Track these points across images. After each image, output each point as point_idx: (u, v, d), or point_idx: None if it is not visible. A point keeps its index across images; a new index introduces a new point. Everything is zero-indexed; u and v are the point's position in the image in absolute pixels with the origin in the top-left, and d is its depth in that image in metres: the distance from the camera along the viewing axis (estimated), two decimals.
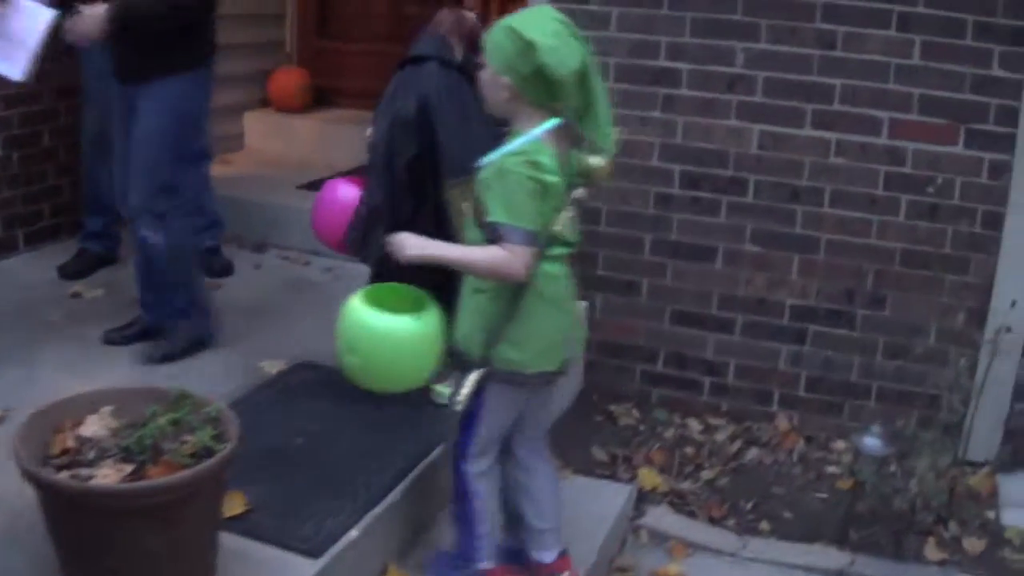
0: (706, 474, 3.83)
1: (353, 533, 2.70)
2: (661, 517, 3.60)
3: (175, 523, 2.21)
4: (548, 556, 2.81)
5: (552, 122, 2.44)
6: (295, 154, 5.69)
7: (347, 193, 3.50)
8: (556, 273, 2.56)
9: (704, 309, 4.17)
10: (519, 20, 2.42)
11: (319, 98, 5.97)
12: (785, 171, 3.95)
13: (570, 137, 2.51)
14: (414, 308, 2.66)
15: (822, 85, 3.84)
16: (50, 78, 4.14)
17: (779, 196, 3.97)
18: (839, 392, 4.09)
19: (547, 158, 2.41)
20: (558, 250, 2.55)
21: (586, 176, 2.58)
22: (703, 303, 4.17)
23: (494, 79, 2.45)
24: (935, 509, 3.46)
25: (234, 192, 4.91)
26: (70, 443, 2.30)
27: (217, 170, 5.30)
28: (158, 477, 2.19)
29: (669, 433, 4.08)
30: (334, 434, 3.14)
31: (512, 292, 2.50)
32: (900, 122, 3.80)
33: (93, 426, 2.36)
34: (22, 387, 3.24)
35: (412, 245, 2.55)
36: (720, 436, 4.07)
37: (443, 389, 3.01)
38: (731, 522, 3.61)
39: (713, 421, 4.17)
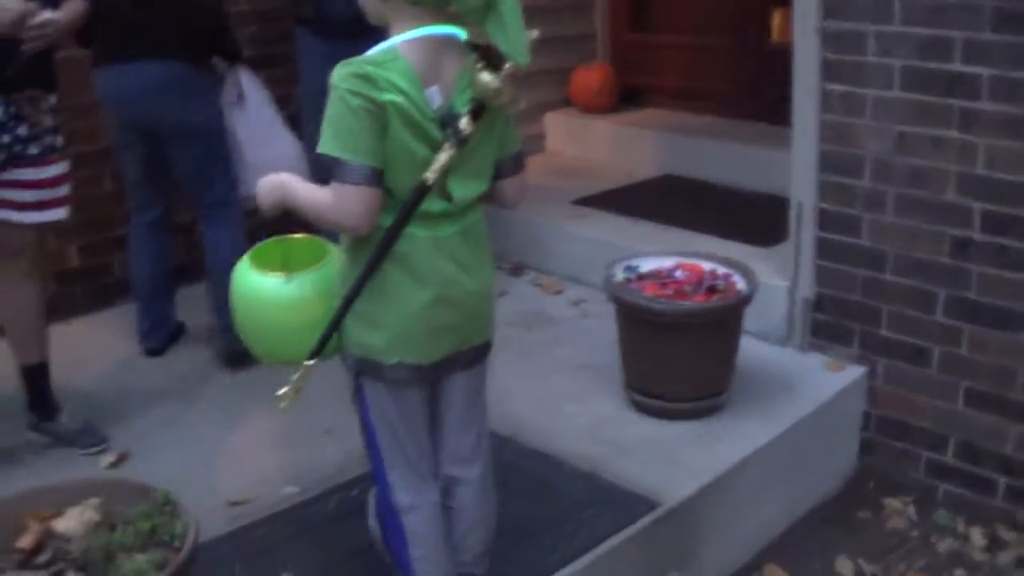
0: None
1: None
2: None
3: None
4: None
5: (429, 29, 1.91)
6: (592, 160, 5.18)
7: None
8: (421, 236, 1.98)
9: (1006, 391, 3.16)
10: None
11: (629, 97, 5.38)
12: None
13: (463, 53, 1.96)
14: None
15: None
16: None
17: None
18: None
19: (392, 72, 1.86)
20: (434, 206, 1.97)
21: (487, 100, 1.93)
22: (1005, 383, 3.16)
23: None
24: None
25: None
26: (36, 537, 2.07)
27: None
28: None
29: (944, 546, 3.15)
30: None
31: (368, 254, 1.98)
32: None
33: (71, 520, 2.12)
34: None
35: (264, 190, 2.05)
36: (1005, 558, 3.07)
37: None
38: None
39: (1003, 534, 3.16)
